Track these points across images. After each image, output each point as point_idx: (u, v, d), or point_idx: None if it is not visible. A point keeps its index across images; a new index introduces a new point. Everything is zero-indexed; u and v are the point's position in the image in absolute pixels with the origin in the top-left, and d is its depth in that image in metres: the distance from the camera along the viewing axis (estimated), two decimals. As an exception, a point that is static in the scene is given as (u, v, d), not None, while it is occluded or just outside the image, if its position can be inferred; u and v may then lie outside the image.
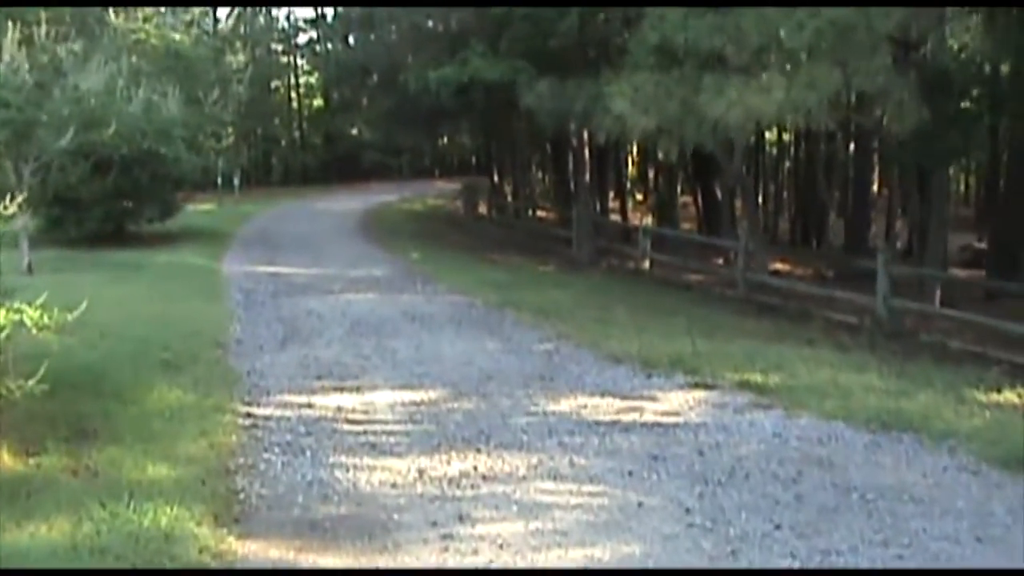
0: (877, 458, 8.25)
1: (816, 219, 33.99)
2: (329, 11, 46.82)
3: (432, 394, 10.25)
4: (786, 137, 37.31)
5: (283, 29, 62.56)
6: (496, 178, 44.49)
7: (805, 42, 11.96)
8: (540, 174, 47.46)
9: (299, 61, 66.62)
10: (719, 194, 34.23)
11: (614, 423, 9.21)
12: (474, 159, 65.59)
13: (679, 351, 12.41)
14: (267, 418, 9.28)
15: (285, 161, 64.87)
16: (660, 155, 37.28)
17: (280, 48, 65.27)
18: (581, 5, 21.37)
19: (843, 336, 15.88)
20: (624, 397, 10.20)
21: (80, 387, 9.67)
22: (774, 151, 41.15)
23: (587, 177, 27.27)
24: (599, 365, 11.75)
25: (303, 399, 9.99)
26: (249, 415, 9.37)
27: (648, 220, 25.68)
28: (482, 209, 38.62)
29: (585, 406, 9.83)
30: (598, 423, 9.20)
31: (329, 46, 44.27)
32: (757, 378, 11.00)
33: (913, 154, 17.15)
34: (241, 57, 50.92)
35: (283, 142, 66.20)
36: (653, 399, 10.15)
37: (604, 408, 9.77)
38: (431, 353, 12.29)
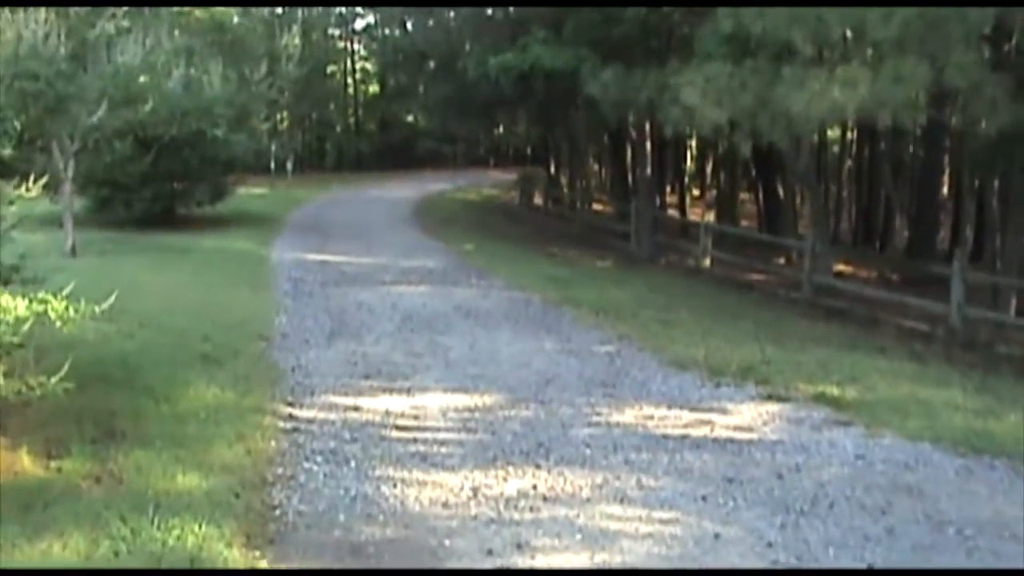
0: (970, 487, 7.57)
1: (879, 220, 33.05)
2: None
3: (487, 399, 9.57)
4: (849, 135, 36.31)
5: (340, 13, 62.04)
6: (552, 169, 43.65)
7: (892, 34, 11.15)
8: (597, 166, 46.58)
9: (356, 46, 66.12)
10: (781, 192, 33.38)
11: (683, 438, 8.50)
12: (529, 150, 64.68)
13: (748, 358, 11.73)
14: (310, 421, 8.63)
15: (339, 147, 64.41)
16: (721, 150, 36.63)
17: (337, 33, 64.86)
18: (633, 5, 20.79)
19: (916, 345, 15.08)
20: (692, 408, 9.48)
21: (112, 381, 9.10)
22: (835, 149, 40.06)
23: (648, 171, 26.45)
24: (664, 371, 11.04)
25: (349, 400, 9.35)
26: (291, 417, 8.73)
27: (709, 216, 24.75)
28: (538, 200, 37.88)
29: (651, 417, 9.13)
30: (666, 437, 8.50)
31: (386, 31, 43.44)
32: (833, 391, 10.30)
33: (1000, 156, 16.23)
34: (295, 36, 50.47)
35: (338, 127, 65.74)
36: (724, 411, 9.43)
37: (672, 420, 9.07)
38: (486, 353, 11.62)
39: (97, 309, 6.93)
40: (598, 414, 9.18)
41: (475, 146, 67.78)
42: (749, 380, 10.67)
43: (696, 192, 45.89)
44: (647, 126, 25.31)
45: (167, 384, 9.18)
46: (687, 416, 9.21)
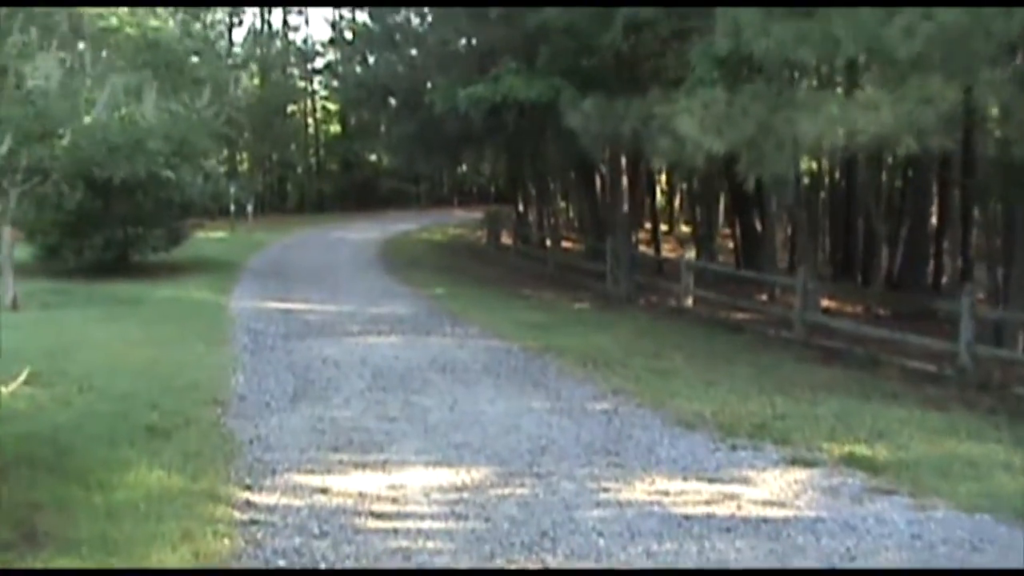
0: (1053, 569, 6.41)
1: (858, 252, 31.99)
2: (347, 25, 44.89)
3: (476, 474, 8.29)
4: (822, 164, 35.33)
5: (300, 51, 61.11)
6: (521, 207, 42.48)
7: (916, 50, 10.06)
8: (563, 203, 45.41)
9: (316, 86, 65.18)
10: (759, 226, 32.37)
11: (709, 519, 7.28)
12: (493, 188, 64.12)
13: (759, 413, 10.64)
14: (271, 509, 7.33)
15: (301, 188, 63.48)
16: (696, 184, 35.60)
17: (297, 72, 63.83)
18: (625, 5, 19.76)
19: (928, 388, 13.97)
20: (711, 479, 8.27)
21: (39, 464, 7.81)
22: (805, 180, 39.04)
23: (624, 207, 25.32)
24: (670, 432, 9.83)
25: (316, 480, 8.05)
26: (248, 505, 7.42)
27: (690, 253, 23.59)
28: (505, 240, 36.83)
29: (667, 493, 7.89)
30: (689, 519, 7.26)
31: (348, 67, 42.28)
32: (862, 450, 9.16)
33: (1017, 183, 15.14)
34: (239, 51, 49.21)
35: (299, 168, 64.65)
36: (747, 482, 8.22)
37: (691, 496, 7.84)
38: (469, 414, 10.36)
39: (3, 390, 5.59)
40: (605, 490, 7.93)
41: (439, 185, 67.25)
42: (766, 440, 9.50)
43: (664, 227, 44.75)
44: (622, 160, 24.23)
45: (103, 467, 7.85)
46: (707, 489, 8.00)
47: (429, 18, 27.69)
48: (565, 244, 34.73)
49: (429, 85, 26.34)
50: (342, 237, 39.14)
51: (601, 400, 11.25)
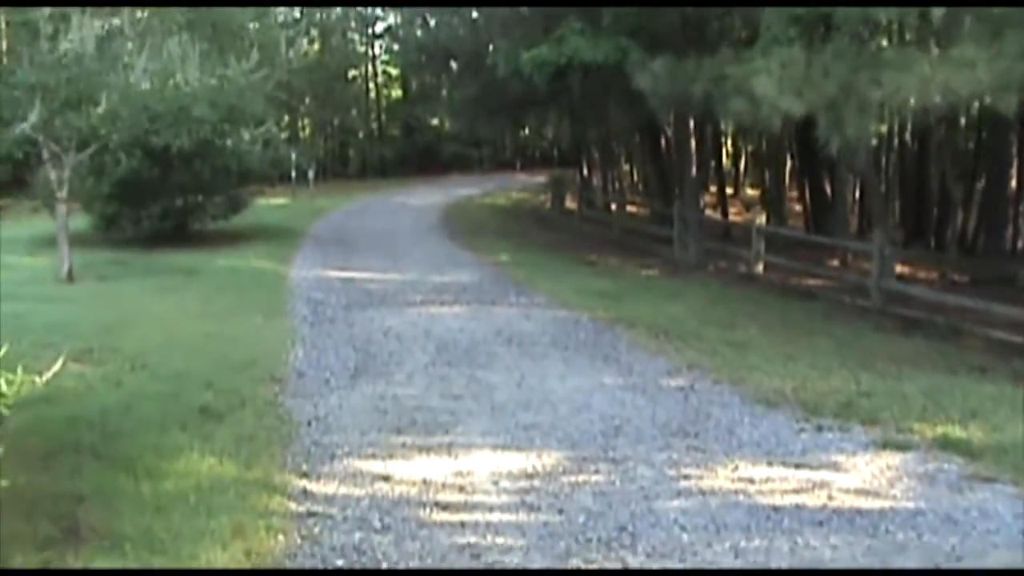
0: None
1: (931, 217, 31.06)
2: None
3: (547, 459, 7.79)
4: (889, 126, 34.31)
5: (360, 15, 60.49)
6: (585, 171, 41.80)
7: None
8: (628, 167, 44.60)
9: (377, 50, 64.72)
10: (828, 189, 31.54)
11: (799, 510, 6.74)
12: (556, 152, 63.41)
13: (843, 390, 10.06)
14: (329, 500, 6.87)
15: (362, 153, 62.96)
16: (765, 146, 34.76)
17: (357, 37, 63.33)
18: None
19: (1016, 361, 13.31)
20: (798, 464, 7.71)
21: (85, 450, 7.41)
22: (874, 141, 37.97)
23: (694, 171, 24.62)
24: (750, 411, 9.27)
25: (378, 465, 7.59)
26: (306, 494, 6.97)
27: (760, 218, 22.85)
28: (570, 204, 36.25)
29: (751, 480, 7.36)
30: (777, 511, 6.73)
31: (409, 31, 41.51)
32: (956, 432, 8.55)
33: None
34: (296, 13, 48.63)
35: (360, 133, 64.13)
36: (836, 467, 7.67)
37: (778, 484, 7.30)
38: (538, 392, 9.86)
39: (39, 380, 5.14)
40: (685, 477, 7.41)
41: (501, 149, 66.55)
42: (853, 420, 8.92)
43: (730, 191, 43.85)
44: (690, 123, 23.54)
45: (153, 453, 7.43)
46: (794, 476, 7.45)
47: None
48: (630, 208, 34.08)
49: (491, 48, 25.72)
50: (404, 202, 38.66)
51: (676, 375, 10.71)
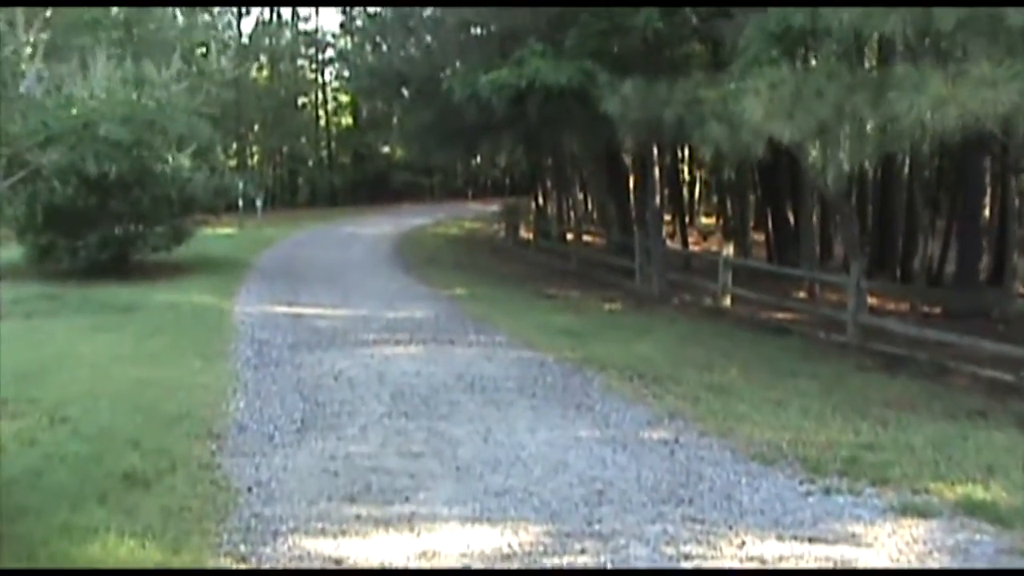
0: None
1: (895, 245, 30.27)
2: (360, 15, 42.82)
3: (524, 535, 6.73)
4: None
5: (310, 40, 59.56)
6: (540, 200, 40.85)
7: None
8: (582, 195, 43.61)
9: (327, 77, 63.80)
10: (791, 218, 30.74)
11: (824, 599, 5.75)
12: (508, 180, 62.81)
13: (844, 443, 9.15)
14: (271, 595, 5.81)
15: (312, 182, 62.02)
16: (727, 174, 33.96)
17: (307, 64, 62.32)
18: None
19: (1014, 402, 12.49)
20: (812, 538, 6.73)
21: (-19, 533, 6.25)
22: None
23: (657, 200, 23.69)
24: (746, 469, 8.29)
25: (329, 545, 6.51)
26: (243, 586, 5.90)
27: (728, 249, 21.95)
28: (524, 234, 35.35)
29: (763, 559, 6.38)
30: (799, 601, 5.73)
31: (361, 56, 40.08)
32: (979, 493, 7.66)
33: None
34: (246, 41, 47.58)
35: (310, 162, 63.11)
36: (856, 541, 6.70)
37: (793, 563, 6.32)
38: (507, 448, 8.80)
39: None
40: (686, 557, 6.39)
41: (452, 177, 66.07)
42: (862, 480, 7.97)
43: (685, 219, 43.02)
44: (654, 150, 22.63)
45: (62, 535, 6.27)
46: (811, 553, 6.47)
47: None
48: (586, 238, 33.21)
49: (446, 72, 24.69)
50: (355, 232, 37.68)
51: (657, 427, 9.71)
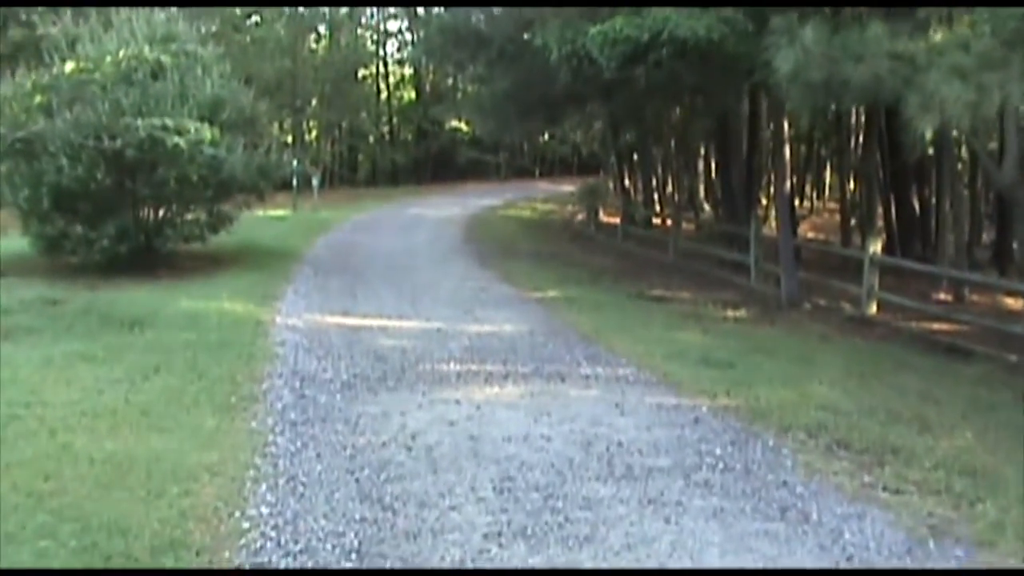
0: None
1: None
2: None
3: None
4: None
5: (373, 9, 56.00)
6: (626, 180, 36.73)
7: None
8: (663, 173, 39.28)
9: (389, 48, 60.22)
10: (916, 205, 26.74)
11: None
12: (576, 157, 59.48)
13: None
14: None
15: (373, 159, 58.79)
16: (854, 156, 29.90)
17: (369, 35, 58.69)
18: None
19: None
20: None
21: None
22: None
23: (787, 183, 19.79)
24: None
25: None
26: None
27: (875, 246, 17.99)
28: (604, 218, 32.14)
29: None
30: None
31: (433, 10, 35.26)
32: None
33: None
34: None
35: (371, 138, 59.52)
36: None
37: None
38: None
39: None
40: None
41: (519, 155, 62.58)
42: None
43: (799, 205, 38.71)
44: (784, 122, 18.72)
45: None
46: None
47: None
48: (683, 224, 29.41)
49: (535, 29, 20.44)
50: (420, 214, 34.16)
51: (914, 546, 6.01)
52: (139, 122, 15.00)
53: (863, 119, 27.53)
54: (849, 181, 29.54)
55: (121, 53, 14.61)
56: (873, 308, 17.09)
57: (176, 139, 14.88)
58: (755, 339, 14.06)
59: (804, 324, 16.21)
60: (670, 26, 13.95)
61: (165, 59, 14.60)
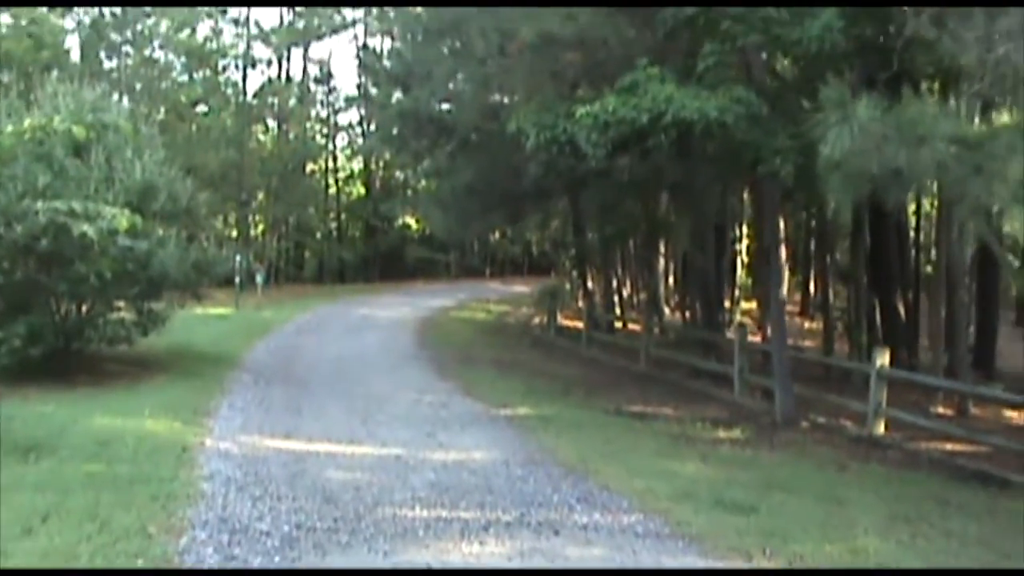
0: None
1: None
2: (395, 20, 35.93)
3: None
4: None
5: (323, 97, 54.80)
6: (588, 282, 34.79)
7: None
8: (622, 273, 37.50)
9: (339, 143, 58.89)
10: (902, 308, 24.98)
11: None
12: (526, 258, 58.72)
13: None
14: None
15: (320, 255, 56.99)
16: (839, 253, 28.20)
17: (319, 127, 57.19)
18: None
19: None
20: None
21: None
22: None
23: (783, 289, 17.95)
24: None
25: None
26: None
27: (882, 358, 16.10)
28: (562, 321, 30.36)
29: None
30: None
31: (386, 90, 32.78)
32: None
33: None
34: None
35: (318, 234, 57.74)
36: None
37: None
38: None
39: None
40: None
41: (469, 254, 61.48)
42: None
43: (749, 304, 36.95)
44: (779, 219, 16.98)
45: None
46: None
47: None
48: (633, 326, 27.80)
49: (503, 113, 18.49)
50: (369, 315, 32.33)
51: None
52: (38, 205, 12.97)
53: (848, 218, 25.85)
54: (829, 285, 27.81)
55: (27, 123, 12.61)
56: (881, 427, 15.30)
57: (84, 227, 12.77)
58: (764, 469, 12.13)
59: (808, 447, 14.37)
60: (674, 107, 12.06)
61: (78, 131, 12.62)
